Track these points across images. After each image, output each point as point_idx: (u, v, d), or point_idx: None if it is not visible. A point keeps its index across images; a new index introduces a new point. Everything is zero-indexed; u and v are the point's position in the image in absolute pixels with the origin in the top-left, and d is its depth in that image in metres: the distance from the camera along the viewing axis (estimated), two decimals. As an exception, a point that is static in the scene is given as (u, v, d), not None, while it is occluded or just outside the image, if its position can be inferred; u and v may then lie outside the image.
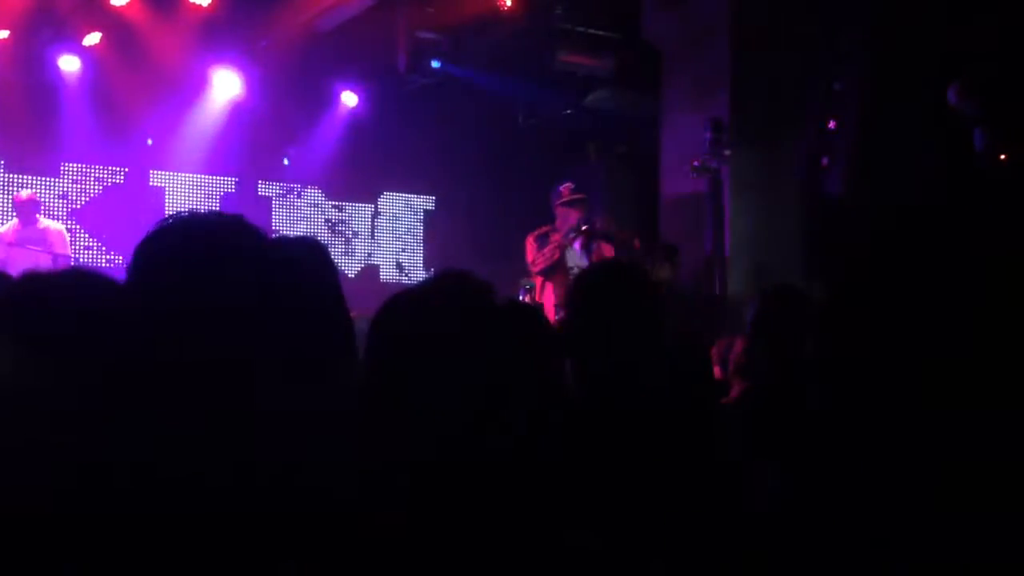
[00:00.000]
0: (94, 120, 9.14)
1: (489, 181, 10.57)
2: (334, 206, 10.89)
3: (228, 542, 1.38)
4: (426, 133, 10.12)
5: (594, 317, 2.13)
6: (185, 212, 1.56)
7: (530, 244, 6.92)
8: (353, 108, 10.14)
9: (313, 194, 10.77)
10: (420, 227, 11.28)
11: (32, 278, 1.69)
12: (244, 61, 9.39)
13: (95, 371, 1.52)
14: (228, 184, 10.28)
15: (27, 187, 9.19)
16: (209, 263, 1.49)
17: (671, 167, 7.67)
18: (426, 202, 11.26)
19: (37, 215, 8.07)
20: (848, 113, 6.52)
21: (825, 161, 6.48)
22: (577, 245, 6.79)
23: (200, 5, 8.76)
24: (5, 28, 8.46)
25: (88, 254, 9.36)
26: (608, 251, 6.71)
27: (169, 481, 1.38)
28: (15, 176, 9.21)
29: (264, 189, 10.50)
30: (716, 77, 7.31)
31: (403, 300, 1.56)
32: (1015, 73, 5.17)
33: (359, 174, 10.50)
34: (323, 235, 10.18)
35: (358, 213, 11.01)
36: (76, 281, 1.65)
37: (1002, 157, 4.94)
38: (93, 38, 8.83)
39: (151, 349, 1.47)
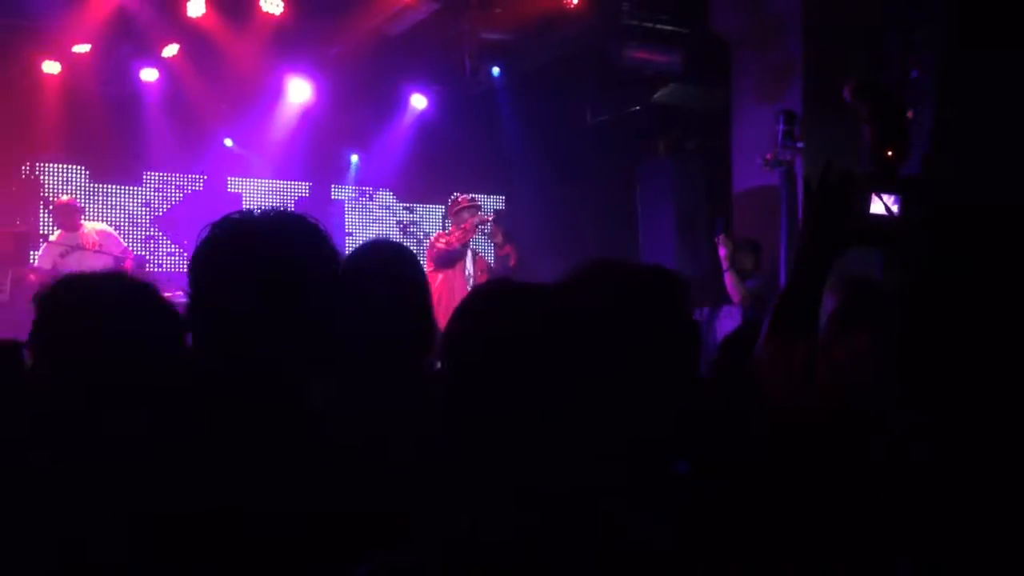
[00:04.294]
0: (174, 129, 9.40)
1: (558, 180, 10.58)
2: (405, 208, 11.02)
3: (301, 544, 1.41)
4: (495, 133, 10.17)
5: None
6: (236, 214, 1.54)
7: (438, 235, 7.92)
8: (423, 110, 10.25)
9: (385, 196, 10.91)
10: (489, 227, 11.31)
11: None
12: (316, 67, 9.55)
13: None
14: (303, 188, 10.48)
15: (112, 196, 9.50)
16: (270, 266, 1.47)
17: (743, 161, 7.60)
18: (496, 202, 11.31)
19: (81, 220, 7.97)
20: (926, 101, 6.37)
21: (903, 151, 6.35)
22: (469, 252, 7.83)
23: (272, 14, 8.93)
24: (87, 42, 8.73)
25: (171, 260, 9.63)
26: (482, 264, 7.91)
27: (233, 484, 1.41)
28: (100, 185, 9.51)
29: (337, 192, 10.67)
30: (788, 68, 7.22)
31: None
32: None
33: (430, 176, 10.60)
34: (395, 237, 10.29)
35: (429, 214, 11.13)
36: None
37: (889, 153, 5.00)
38: (171, 49, 9.07)
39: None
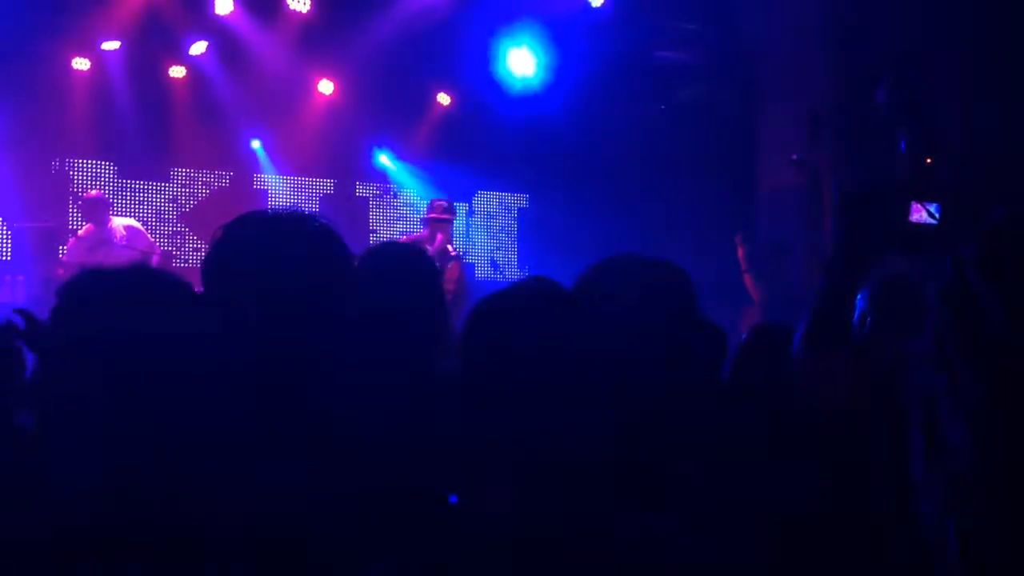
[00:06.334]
0: (201, 126, 9.47)
1: (582, 179, 10.55)
2: (429, 205, 11.02)
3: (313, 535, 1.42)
4: (520, 132, 10.16)
5: None
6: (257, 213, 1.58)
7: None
8: (447, 108, 10.26)
9: (409, 194, 10.93)
10: (514, 225, 11.34)
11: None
12: (341, 64, 9.60)
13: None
14: (327, 185, 10.52)
15: (140, 192, 9.59)
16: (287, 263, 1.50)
17: (768, 161, 7.57)
18: (519, 200, 11.31)
19: (109, 215, 8.04)
20: (953, 104, 6.32)
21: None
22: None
23: (299, 12, 9.01)
24: (117, 39, 8.84)
25: (197, 256, 9.71)
26: (454, 272, 7.27)
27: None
28: (128, 181, 9.60)
29: (362, 190, 10.71)
30: (813, 69, 7.18)
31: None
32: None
33: (454, 174, 10.61)
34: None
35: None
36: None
37: (928, 160, 4.95)
38: (199, 47, 9.16)
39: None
